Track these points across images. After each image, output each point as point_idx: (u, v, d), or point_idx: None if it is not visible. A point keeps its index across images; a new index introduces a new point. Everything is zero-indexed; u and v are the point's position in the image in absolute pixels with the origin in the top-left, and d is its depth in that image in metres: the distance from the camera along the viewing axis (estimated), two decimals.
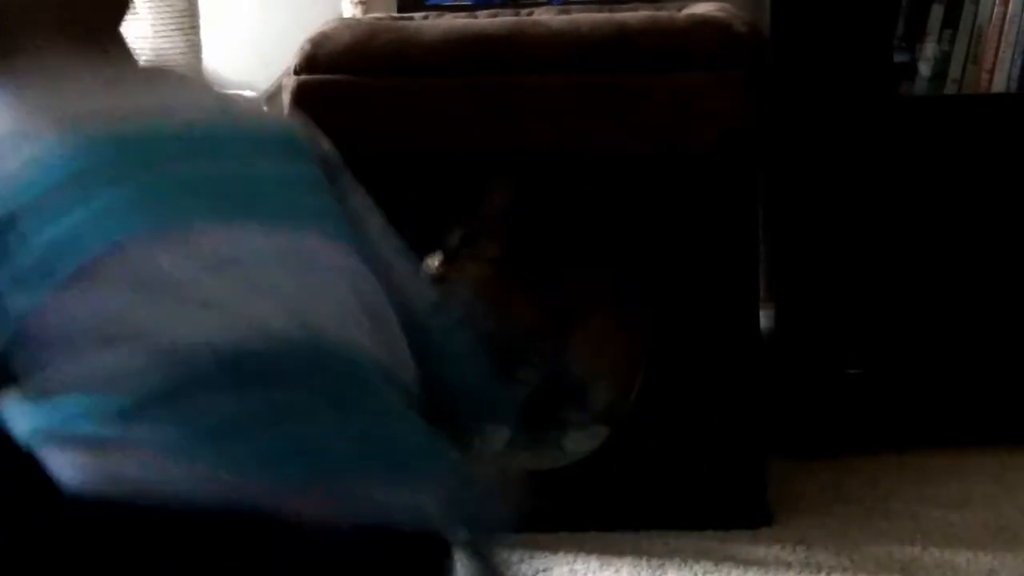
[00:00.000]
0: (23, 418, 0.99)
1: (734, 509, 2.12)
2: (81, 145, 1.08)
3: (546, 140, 2.05)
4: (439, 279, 2.09)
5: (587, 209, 2.14)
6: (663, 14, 2.10)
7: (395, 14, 2.52)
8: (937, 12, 2.39)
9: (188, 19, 2.79)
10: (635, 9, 2.32)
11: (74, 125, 1.09)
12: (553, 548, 2.07)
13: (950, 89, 2.41)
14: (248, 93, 2.89)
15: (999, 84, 2.38)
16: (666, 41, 2.04)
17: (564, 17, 2.12)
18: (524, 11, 2.38)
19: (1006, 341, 2.39)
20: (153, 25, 2.76)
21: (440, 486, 1.08)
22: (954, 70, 2.40)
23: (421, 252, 2.11)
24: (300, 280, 1.10)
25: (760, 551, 2.04)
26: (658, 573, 1.98)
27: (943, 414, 2.43)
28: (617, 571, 1.99)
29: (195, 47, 2.81)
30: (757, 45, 2.05)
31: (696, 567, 2.00)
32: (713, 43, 2.03)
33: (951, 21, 2.39)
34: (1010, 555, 2.01)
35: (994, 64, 2.38)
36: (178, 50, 2.77)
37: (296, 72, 2.07)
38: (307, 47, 2.07)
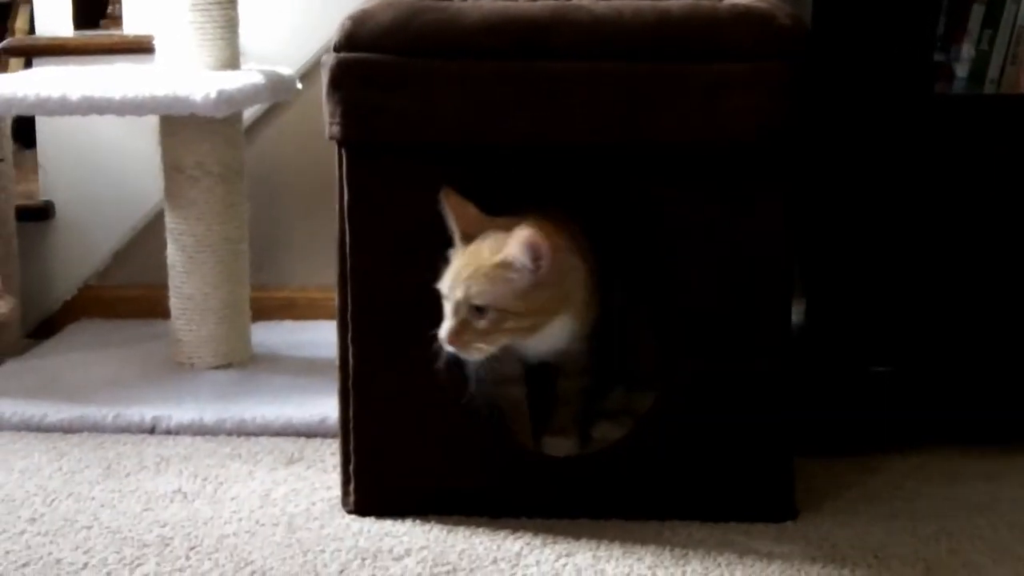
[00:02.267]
0: None
1: (759, 503, 2.12)
2: None
3: (584, 127, 2.04)
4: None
5: (622, 197, 2.13)
6: (706, 3, 2.09)
7: None
8: (978, 12, 2.38)
9: None
10: None
11: None
12: (575, 535, 2.07)
13: (988, 89, 2.40)
14: (285, 70, 2.90)
15: None
16: (708, 30, 2.03)
17: (605, 3, 2.11)
18: None
19: None
20: None
21: None
22: (993, 70, 2.39)
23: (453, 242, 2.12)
24: None
25: (784, 546, 2.04)
26: (681, 563, 1.98)
27: (971, 415, 2.42)
28: (640, 559, 1.99)
29: (232, 22, 2.82)
30: (800, 37, 2.04)
31: (720, 558, 1.99)
32: (756, 34, 2.02)
33: (991, 21, 2.38)
34: None
35: None
36: (215, 24, 2.78)
37: (335, 49, 2.06)
38: (347, 24, 2.06)
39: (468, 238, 2.05)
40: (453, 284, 2.02)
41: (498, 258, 2.01)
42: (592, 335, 2.21)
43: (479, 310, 2.01)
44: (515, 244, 2.00)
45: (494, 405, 2.22)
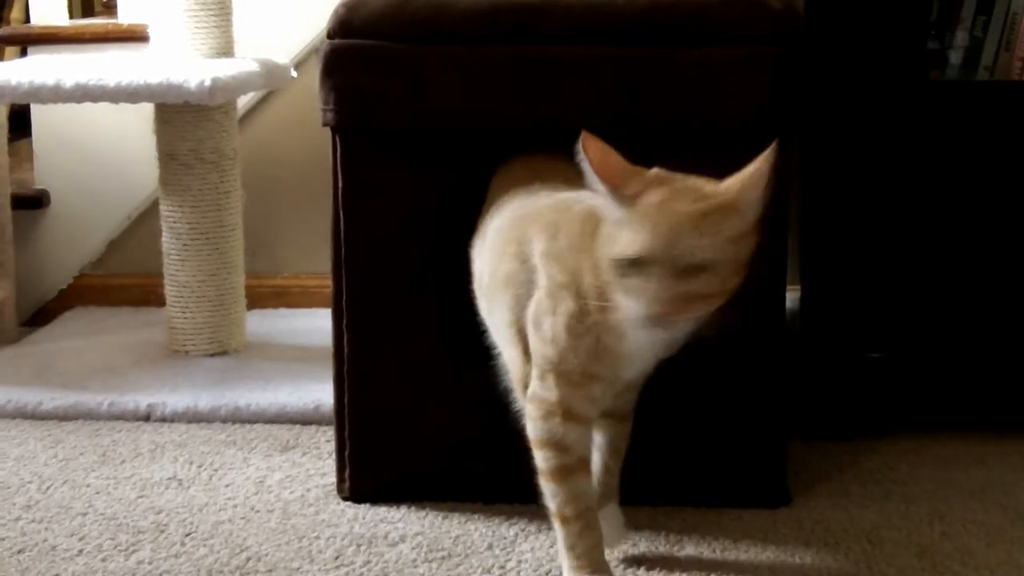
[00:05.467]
0: None
1: (753, 488, 2.12)
2: None
3: (578, 110, 2.04)
4: None
5: None
6: None
7: None
8: None
9: None
10: None
11: None
12: None
13: (982, 76, 2.40)
14: (280, 58, 2.90)
15: None
16: (700, 15, 2.03)
17: None
18: None
19: None
20: None
21: None
22: (986, 57, 2.39)
23: (449, 226, 2.11)
24: None
25: (778, 530, 2.04)
26: (676, 548, 1.98)
27: (964, 400, 2.43)
28: (635, 545, 1.99)
29: (226, 10, 2.82)
30: (792, 22, 2.04)
31: (714, 543, 2.00)
32: (747, 19, 2.02)
33: (985, 8, 2.38)
34: None
35: None
36: (209, 12, 2.78)
37: (329, 36, 2.06)
38: (341, 11, 2.06)
39: (620, 189, 1.65)
40: (657, 239, 1.61)
41: (720, 200, 1.66)
42: None
43: (697, 269, 1.62)
44: (750, 179, 1.68)
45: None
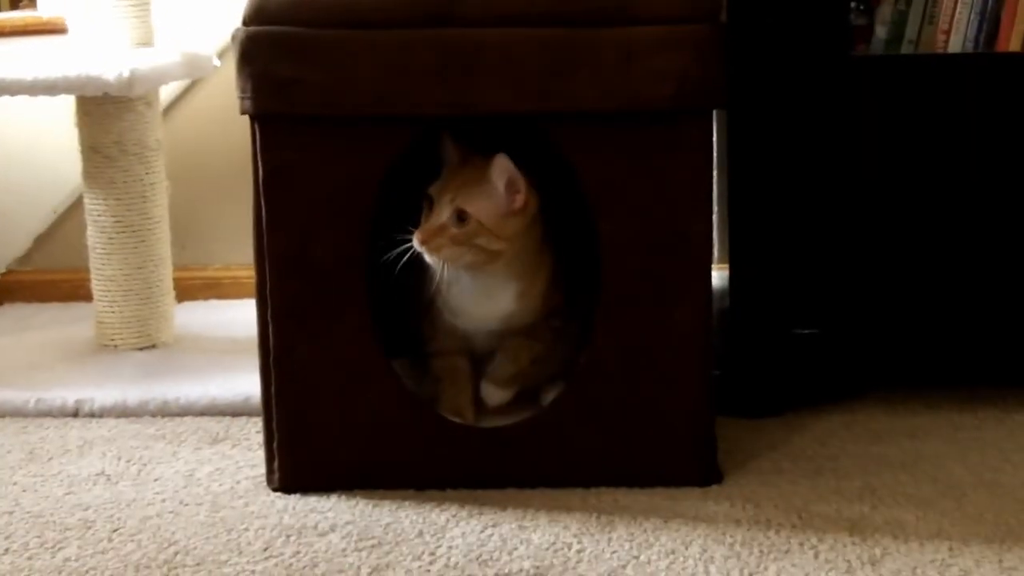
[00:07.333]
0: None
1: (684, 467, 2.12)
2: None
3: (498, 94, 2.03)
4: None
5: (541, 167, 2.12)
6: None
7: None
8: None
9: None
10: None
11: None
12: (502, 505, 2.06)
13: (906, 50, 2.40)
14: (202, 47, 2.86)
15: (955, 45, 2.38)
16: None
17: None
18: None
19: (955, 304, 2.40)
20: None
21: None
22: (910, 31, 2.39)
23: (371, 213, 2.09)
24: None
25: (709, 508, 2.04)
26: (607, 529, 1.98)
27: (894, 374, 2.44)
28: (566, 527, 1.98)
29: (146, 0, 2.79)
30: (712, 1, 2.03)
31: (645, 524, 1.99)
32: None
33: None
34: (959, 514, 2.01)
35: (950, 25, 2.38)
36: (128, 2, 2.75)
37: (244, 23, 2.04)
38: None
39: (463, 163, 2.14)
40: (443, 188, 2.10)
41: (485, 175, 2.09)
42: (546, 306, 2.22)
43: (460, 217, 2.07)
44: (495, 168, 2.07)
45: (431, 378, 2.25)
